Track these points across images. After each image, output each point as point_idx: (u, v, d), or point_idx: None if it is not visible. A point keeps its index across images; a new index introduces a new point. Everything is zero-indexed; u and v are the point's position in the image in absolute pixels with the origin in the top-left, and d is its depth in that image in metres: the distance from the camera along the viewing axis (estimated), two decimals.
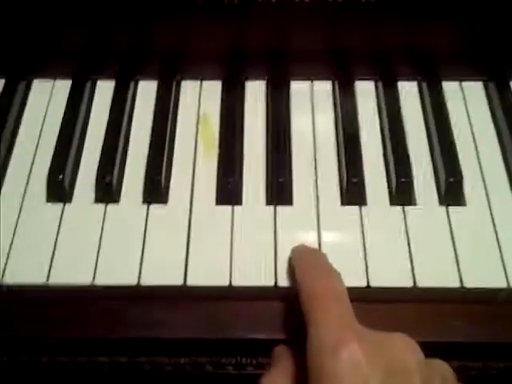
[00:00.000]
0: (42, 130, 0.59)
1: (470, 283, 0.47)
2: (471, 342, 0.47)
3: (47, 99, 0.61)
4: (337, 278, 0.42)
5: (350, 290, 0.41)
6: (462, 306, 0.48)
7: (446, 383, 0.37)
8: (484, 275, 0.48)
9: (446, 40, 0.60)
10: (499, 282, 0.48)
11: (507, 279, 0.48)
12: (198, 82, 0.62)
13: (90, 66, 0.62)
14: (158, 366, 0.50)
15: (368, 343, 0.36)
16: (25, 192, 0.54)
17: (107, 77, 0.62)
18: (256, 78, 0.62)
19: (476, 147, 0.57)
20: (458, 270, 0.48)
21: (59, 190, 0.53)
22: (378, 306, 0.48)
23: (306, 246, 0.48)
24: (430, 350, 0.38)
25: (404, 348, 0.37)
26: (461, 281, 0.48)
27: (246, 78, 0.62)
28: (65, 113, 0.59)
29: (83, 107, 0.60)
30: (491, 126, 0.58)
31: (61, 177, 0.53)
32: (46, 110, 0.60)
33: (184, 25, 0.59)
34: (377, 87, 0.61)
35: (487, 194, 0.53)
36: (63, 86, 0.62)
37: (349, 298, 0.40)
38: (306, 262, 0.45)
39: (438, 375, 0.37)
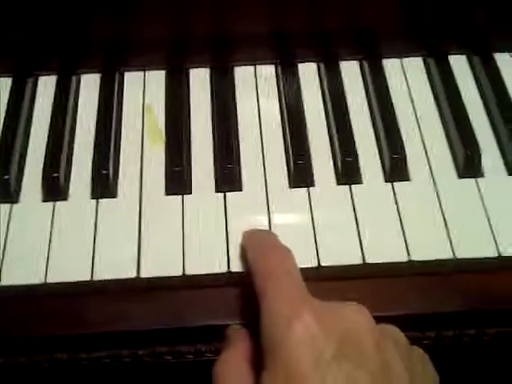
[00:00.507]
0: None
1: (417, 256, 0.49)
2: (422, 313, 0.48)
3: None
4: (286, 253, 0.42)
5: (302, 270, 0.41)
6: (410, 278, 0.49)
7: (399, 346, 0.39)
8: (431, 247, 0.49)
9: (385, 17, 0.60)
10: (445, 253, 0.49)
11: (453, 250, 0.49)
12: (142, 72, 0.62)
13: (31, 62, 0.61)
14: (117, 359, 0.50)
15: (320, 314, 0.36)
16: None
17: (49, 72, 0.61)
18: (199, 65, 0.62)
19: (418, 123, 0.58)
20: (406, 243, 0.49)
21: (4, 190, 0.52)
22: (330, 284, 0.48)
23: (257, 229, 0.49)
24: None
25: (356, 316, 0.37)
26: (408, 254, 0.49)
27: (190, 66, 0.62)
28: (7, 110, 0.58)
29: (25, 105, 0.59)
30: (432, 101, 0.60)
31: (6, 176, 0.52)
32: None
33: (124, 14, 0.58)
34: (319, 68, 0.62)
35: (430, 169, 0.54)
36: (4, 84, 0.61)
37: (300, 273, 0.41)
38: (256, 242, 0.46)
39: (390, 339, 0.38)
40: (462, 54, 0.63)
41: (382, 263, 0.49)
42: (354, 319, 0.37)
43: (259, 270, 0.41)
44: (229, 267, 0.48)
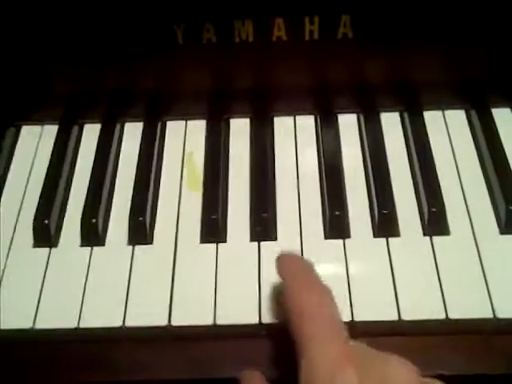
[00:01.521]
0: (30, 175, 0.60)
1: (455, 314, 0.47)
2: (458, 375, 0.46)
3: (35, 144, 0.62)
4: (326, 293, 0.41)
5: None
6: (447, 337, 0.47)
7: None
8: (469, 306, 0.48)
9: (426, 70, 0.60)
10: (485, 313, 0.47)
11: (493, 309, 0.47)
12: (183, 121, 0.63)
13: (76, 110, 0.63)
14: None
15: (363, 370, 0.35)
16: (13, 237, 0.55)
17: (94, 120, 0.63)
18: (240, 115, 0.63)
19: (459, 176, 0.57)
20: (443, 300, 0.48)
21: (45, 234, 0.54)
22: (363, 340, 0.47)
23: (292, 254, 0.46)
24: None
25: (401, 371, 0.36)
26: (446, 312, 0.47)
27: (230, 116, 0.63)
28: (52, 157, 0.60)
29: (70, 151, 0.61)
30: (474, 153, 0.59)
31: (46, 221, 0.54)
32: (35, 154, 0.62)
33: (166, 66, 0.60)
34: (359, 120, 0.62)
35: (471, 223, 0.53)
36: (50, 131, 0.63)
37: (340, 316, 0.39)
38: (294, 273, 0.43)
39: None
40: (505, 107, 0.62)
41: (418, 320, 0.47)
42: (398, 371, 0.36)
43: (297, 311, 0.39)
44: (260, 318, 0.48)
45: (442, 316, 0.47)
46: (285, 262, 0.45)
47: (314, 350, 0.37)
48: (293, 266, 0.44)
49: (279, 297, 0.47)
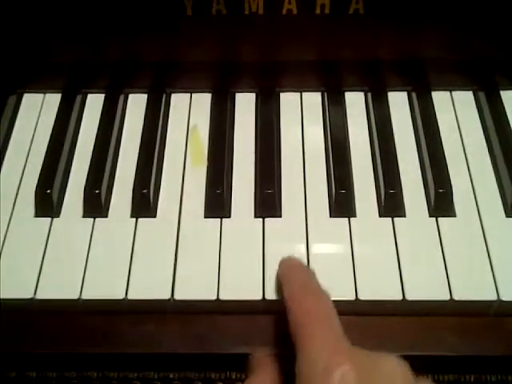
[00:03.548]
0: (31, 143, 0.59)
1: (459, 296, 0.47)
2: (462, 356, 0.46)
3: (37, 113, 0.62)
4: (325, 298, 0.41)
5: (338, 302, 0.40)
6: (451, 318, 0.47)
7: None
8: (474, 288, 0.48)
9: (435, 50, 0.59)
10: (489, 295, 0.47)
11: (497, 291, 0.47)
12: (188, 94, 0.62)
13: (80, 80, 0.62)
14: (148, 381, 0.50)
15: (359, 365, 0.35)
16: (13, 206, 0.54)
17: (97, 90, 0.62)
18: (246, 89, 0.62)
19: (466, 157, 0.56)
20: (448, 282, 0.48)
21: (47, 204, 0.53)
22: (366, 319, 0.47)
23: (294, 259, 0.47)
24: (420, 363, 0.38)
25: (395, 370, 0.36)
26: (450, 293, 0.47)
27: (236, 90, 0.62)
28: (54, 126, 0.59)
29: (73, 121, 0.60)
30: (481, 135, 0.58)
31: (49, 191, 0.53)
32: (36, 123, 0.61)
33: (173, 36, 0.59)
34: (366, 98, 0.61)
35: (477, 205, 0.53)
36: (53, 100, 0.62)
37: (338, 318, 0.39)
38: (294, 280, 0.44)
39: None
40: None
41: (422, 301, 0.47)
42: (393, 373, 0.36)
43: (296, 313, 0.40)
44: (264, 295, 0.48)
45: (447, 297, 0.47)
46: (286, 267, 0.46)
47: (312, 346, 0.37)
48: (294, 270, 0.45)
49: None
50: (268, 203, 0.53)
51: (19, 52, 0.60)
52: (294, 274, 0.44)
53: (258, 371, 0.42)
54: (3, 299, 0.48)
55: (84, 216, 0.53)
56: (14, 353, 0.48)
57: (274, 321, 0.48)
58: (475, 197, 0.53)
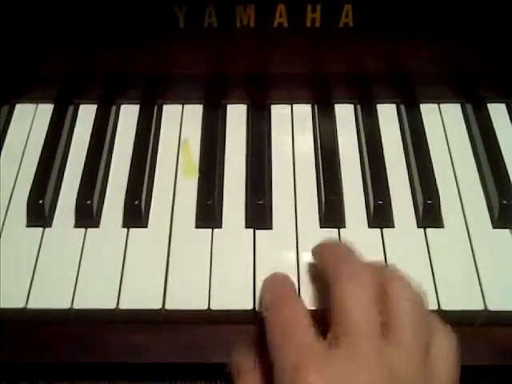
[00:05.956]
0: (23, 153, 0.59)
1: (446, 305, 0.48)
2: None
3: (29, 123, 0.62)
4: (300, 306, 0.42)
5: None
6: None
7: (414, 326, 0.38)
8: (461, 297, 0.48)
9: (423, 63, 0.60)
10: (476, 304, 0.48)
11: (484, 301, 0.48)
12: (180, 105, 0.63)
13: (73, 90, 0.63)
14: None
15: (329, 370, 0.36)
16: (5, 216, 0.54)
17: (89, 101, 0.63)
18: (237, 101, 0.63)
19: (453, 169, 0.57)
20: (436, 292, 0.48)
21: (39, 214, 0.53)
22: None
23: (277, 276, 0.47)
24: None
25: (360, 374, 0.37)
26: (438, 303, 0.48)
27: (227, 102, 0.63)
28: (46, 137, 0.59)
29: (65, 131, 0.60)
30: (469, 147, 0.59)
31: (41, 201, 0.53)
32: (29, 133, 0.61)
33: (166, 48, 0.59)
34: (356, 110, 0.62)
35: (464, 216, 0.54)
36: (46, 110, 0.62)
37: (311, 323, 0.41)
38: (271, 293, 0.45)
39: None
40: (500, 102, 0.62)
41: None
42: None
43: (270, 322, 0.42)
44: (254, 304, 0.48)
45: (434, 307, 0.48)
46: (267, 282, 0.47)
47: (285, 354, 0.38)
48: (271, 285, 0.46)
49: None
50: (259, 214, 0.53)
51: (12, 62, 0.60)
52: (271, 287, 0.46)
53: (242, 376, 0.43)
54: None
55: (76, 226, 0.53)
56: (4, 362, 0.48)
57: (264, 331, 0.48)
58: (463, 208, 0.54)
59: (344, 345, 0.37)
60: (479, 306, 0.48)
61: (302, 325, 0.40)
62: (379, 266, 0.42)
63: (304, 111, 0.62)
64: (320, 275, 0.47)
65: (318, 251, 0.48)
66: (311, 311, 0.46)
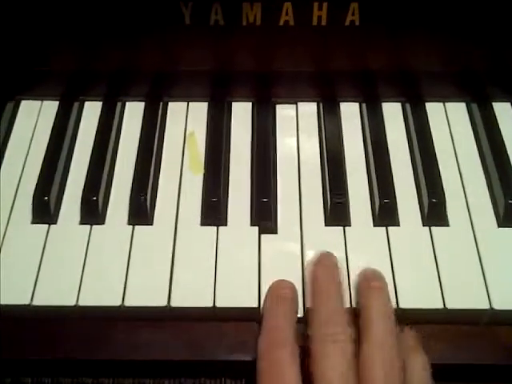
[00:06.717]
0: (29, 150, 0.59)
1: (452, 304, 0.48)
2: (454, 364, 0.47)
3: (35, 120, 0.62)
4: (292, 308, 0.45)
5: None
6: (444, 326, 0.48)
7: None
8: (466, 297, 0.48)
9: (429, 61, 0.60)
10: (482, 304, 0.48)
11: (490, 300, 0.48)
12: (185, 102, 0.63)
13: (78, 87, 0.63)
14: None
15: None
16: (11, 212, 0.54)
17: (95, 97, 0.63)
18: (242, 98, 0.63)
19: (459, 167, 0.57)
20: (441, 291, 0.48)
21: (45, 211, 0.53)
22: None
23: (282, 286, 0.48)
24: None
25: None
26: (443, 302, 0.48)
27: (233, 99, 0.63)
28: (52, 133, 0.59)
29: (70, 128, 0.60)
30: (474, 146, 0.59)
31: (46, 198, 0.53)
32: (34, 130, 0.61)
33: (171, 45, 0.59)
34: (361, 108, 0.62)
35: (470, 215, 0.54)
36: (51, 107, 0.62)
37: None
38: (269, 331, 0.45)
39: None
40: (506, 101, 0.62)
41: (415, 309, 0.48)
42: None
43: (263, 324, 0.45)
44: (259, 302, 0.48)
45: (440, 306, 0.48)
46: (272, 298, 0.48)
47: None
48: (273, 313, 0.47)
49: None
50: (264, 212, 0.53)
51: (17, 59, 0.60)
52: (272, 314, 0.46)
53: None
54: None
55: (81, 223, 0.53)
56: (9, 359, 0.48)
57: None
58: (468, 207, 0.54)
59: None
60: (484, 305, 0.48)
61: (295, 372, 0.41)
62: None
63: (309, 109, 0.62)
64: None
65: (312, 271, 0.48)
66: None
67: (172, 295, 0.48)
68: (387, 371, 0.40)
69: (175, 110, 0.62)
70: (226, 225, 0.53)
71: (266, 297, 0.48)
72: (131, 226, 0.53)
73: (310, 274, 0.47)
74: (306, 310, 0.47)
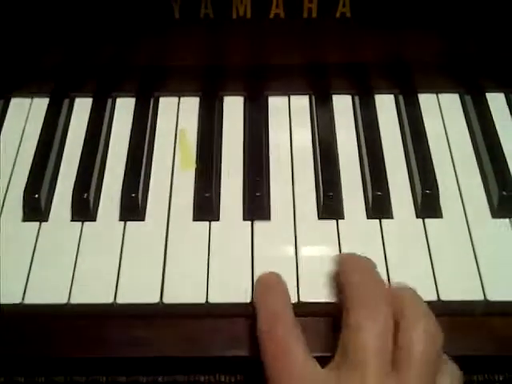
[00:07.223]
0: (19, 148, 0.59)
1: (446, 296, 0.48)
2: (449, 356, 0.47)
3: (25, 117, 0.61)
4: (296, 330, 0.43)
5: (324, 304, 0.42)
6: (438, 318, 0.47)
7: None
8: (461, 288, 0.48)
9: (422, 52, 0.60)
10: (476, 295, 0.48)
11: (484, 291, 0.48)
12: (176, 97, 0.62)
13: (68, 84, 0.62)
14: None
15: None
16: (1, 210, 0.54)
17: (85, 94, 0.62)
18: (234, 93, 0.62)
19: (452, 159, 0.57)
20: (435, 282, 0.48)
21: (35, 208, 0.53)
22: None
23: (270, 277, 0.47)
24: None
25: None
26: (437, 293, 0.48)
27: (224, 93, 0.62)
28: (42, 130, 0.59)
29: (61, 125, 0.60)
30: (467, 137, 0.59)
31: (37, 195, 0.53)
32: (24, 127, 0.61)
33: (161, 40, 0.59)
34: (353, 101, 0.62)
35: (463, 206, 0.53)
36: (41, 104, 0.62)
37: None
38: (266, 310, 0.45)
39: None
40: (499, 92, 0.62)
41: None
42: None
43: (259, 312, 0.44)
44: (252, 298, 0.48)
45: (434, 297, 0.47)
46: (262, 287, 0.47)
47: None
48: (267, 298, 0.46)
49: None
50: (257, 206, 0.53)
51: (6, 56, 0.60)
52: (267, 301, 0.45)
53: None
54: None
55: (72, 220, 0.53)
56: (1, 357, 0.48)
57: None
58: (461, 198, 0.54)
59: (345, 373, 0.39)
60: (479, 297, 0.47)
61: (297, 347, 0.41)
62: (399, 295, 0.42)
63: (301, 102, 0.62)
64: (337, 285, 0.46)
65: (341, 263, 0.47)
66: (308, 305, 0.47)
67: (164, 292, 0.48)
68: (427, 350, 0.39)
69: (166, 105, 0.62)
70: (218, 220, 0.53)
71: (256, 288, 0.47)
72: (123, 222, 0.52)
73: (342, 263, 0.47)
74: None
